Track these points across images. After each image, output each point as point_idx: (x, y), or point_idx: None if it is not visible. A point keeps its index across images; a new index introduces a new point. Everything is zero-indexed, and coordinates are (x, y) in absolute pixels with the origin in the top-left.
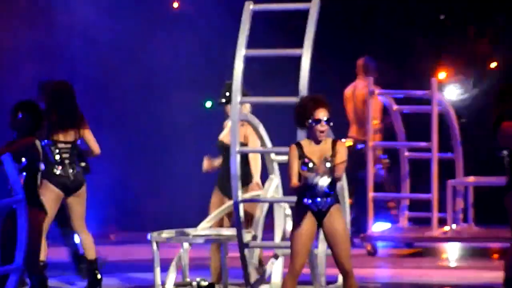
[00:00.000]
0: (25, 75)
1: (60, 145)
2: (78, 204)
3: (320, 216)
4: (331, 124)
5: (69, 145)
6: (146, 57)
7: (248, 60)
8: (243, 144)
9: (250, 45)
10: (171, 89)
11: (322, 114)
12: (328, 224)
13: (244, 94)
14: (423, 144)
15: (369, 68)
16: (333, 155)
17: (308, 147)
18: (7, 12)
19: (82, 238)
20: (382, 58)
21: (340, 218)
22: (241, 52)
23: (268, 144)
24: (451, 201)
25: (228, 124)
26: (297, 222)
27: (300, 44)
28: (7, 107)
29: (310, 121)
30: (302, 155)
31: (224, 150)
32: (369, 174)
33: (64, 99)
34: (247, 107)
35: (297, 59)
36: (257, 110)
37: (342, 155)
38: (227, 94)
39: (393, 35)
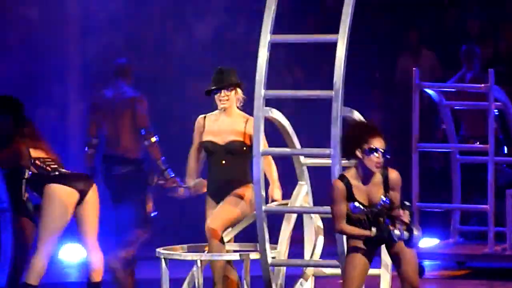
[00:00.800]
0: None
1: None
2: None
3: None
4: (388, 156)
5: None
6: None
7: (272, 47)
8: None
9: (274, 30)
10: (184, 81)
11: (379, 143)
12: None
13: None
14: (478, 146)
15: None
16: (387, 189)
17: (356, 183)
18: None
19: (92, 255)
20: (428, 47)
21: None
22: (266, 37)
23: (297, 145)
24: (511, 213)
25: (213, 118)
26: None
27: (333, 30)
28: None
29: (365, 149)
30: (351, 196)
31: (215, 151)
32: (414, 181)
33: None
34: (240, 96)
35: (331, 47)
36: (281, 105)
37: (397, 189)
38: (219, 80)
39: (442, 18)
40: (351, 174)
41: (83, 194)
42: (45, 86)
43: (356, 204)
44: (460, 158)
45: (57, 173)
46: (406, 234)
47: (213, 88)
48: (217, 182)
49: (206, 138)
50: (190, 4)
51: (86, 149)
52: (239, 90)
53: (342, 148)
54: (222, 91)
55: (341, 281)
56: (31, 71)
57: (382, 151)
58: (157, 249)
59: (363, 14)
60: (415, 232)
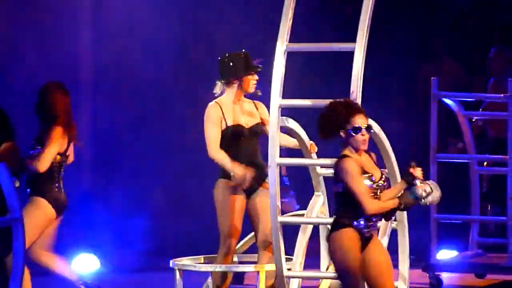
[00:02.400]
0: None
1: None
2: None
3: (365, 242)
4: (372, 131)
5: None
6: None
7: (289, 56)
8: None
9: (290, 37)
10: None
11: (361, 120)
12: (371, 251)
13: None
14: (497, 157)
15: None
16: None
17: (360, 159)
18: None
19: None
20: (448, 54)
21: (381, 244)
22: (283, 46)
23: (314, 155)
24: None
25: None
26: (349, 250)
27: (351, 38)
28: None
29: (348, 130)
30: (364, 171)
31: (244, 135)
32: None
33: None
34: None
35: (348, 55)
36: (296, 114)
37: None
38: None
39: (460, 27)
40: (349, 152)
41: None
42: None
43: (371, 180)
44: (478, 169)
45: None
46: (427, 188)
47: (258, 70)
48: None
49: (230, 122)
50: (207, 12)
51: None
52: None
53: (323, 130)
54: (254, 73)
55: None
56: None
57: (366, 127)
58: (172, 260)
59: (384, 22)
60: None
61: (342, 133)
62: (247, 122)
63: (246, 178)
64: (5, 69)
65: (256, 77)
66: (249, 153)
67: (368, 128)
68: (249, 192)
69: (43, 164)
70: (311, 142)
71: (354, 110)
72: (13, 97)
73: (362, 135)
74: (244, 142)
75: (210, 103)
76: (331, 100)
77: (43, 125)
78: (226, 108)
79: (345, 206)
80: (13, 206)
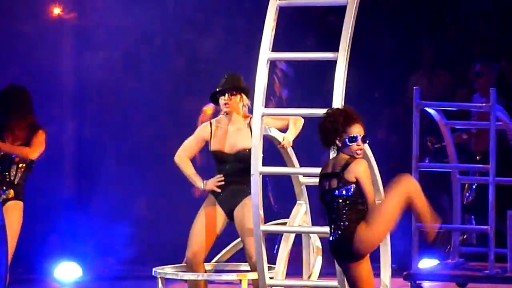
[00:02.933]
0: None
1: None
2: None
3: None
4: (368, 141)
5: None
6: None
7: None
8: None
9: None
10: (185, 99)
11: (357, 130)
12: None
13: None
14: (479, 166)
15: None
16: None
17: None
18: None
19: None
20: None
21: None
22: (265, 54)
23: (296, 164)
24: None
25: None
26: None
27: (333, 47)
28: None
29: (344, 139)
30: None
31: (224, 160)
32: None
33: None
34: (245, 102)
35: (330, 64)
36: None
37: None
38: (223, 83)
39: (445, 37)
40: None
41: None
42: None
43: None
44: (460, 178)
45: None
46: None
47: (217, 90)
48: (227, 189)
49: (215, 147)
50: (190, 23)
51: None
52: (244, 96)
53: (324, 139)
54: (226, 94)
55: None
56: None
57: (362, 137)
58: (154, 269)
59: (374, 31)
60: None
61: (337, 141)
62: (233, 146)
63: (205, 190)
64: None
65: (225, 97)
66: (228, 174)
67: (364, 138)
68: (229, 209)
69: (35, 153)
70: (284, 135)
71: (351, 119)
72: None
73: (358, 145)
74: (228, 166)
75: (205, 122)
76: (313, 109)
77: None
78: (216, 130)
79: (354, 211)
80: None
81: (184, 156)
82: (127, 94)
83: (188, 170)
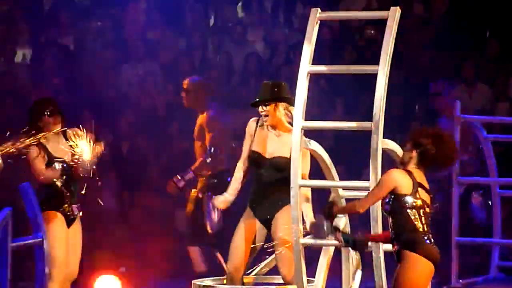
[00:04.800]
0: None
1: None
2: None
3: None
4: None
5: None
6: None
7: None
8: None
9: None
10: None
11: None
12: None
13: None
14: None
15: None
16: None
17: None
18: None
19: None
20: (472, 76)
21: None
22: (305, 68)
23: (335, 177)
24: None
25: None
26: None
27: (374, 60)
28: None
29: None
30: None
31: (259, 163)
32: (454, 214)
33: None
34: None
35: (371, 77)
36: (317, 135)
37: None
38: (257, 95)
39: (484, 48)
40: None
41: None
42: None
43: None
44: (500, 192)
45: None
46: None
47: (253, 102)
48: (259, 197)
49: (254, 147)
50: (229, 34)
51: None
52: (280, 105)
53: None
54: (260, 106)
55: None
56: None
57: None
58: (193, 281)
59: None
60: None
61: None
62: (271, 152)
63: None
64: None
65: (260, 109)
66: (265, 183)
67: None
68: (265, 220)
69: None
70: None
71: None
72: None
73: None
74: (262, 171)
75: (252, 118)
76: (356, 123)
77: None
78: (259, 130)
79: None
80: (35, 225)
81: (238, 169)
82: (166, 106)
83: (234, 176)
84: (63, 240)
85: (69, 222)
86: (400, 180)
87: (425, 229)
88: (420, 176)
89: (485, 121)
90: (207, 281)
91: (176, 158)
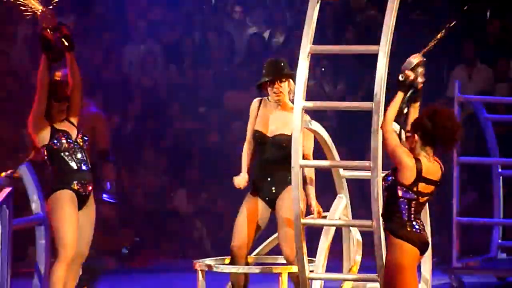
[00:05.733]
0: None
1: None
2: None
3: None
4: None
5: None
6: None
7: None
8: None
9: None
10: (223, 91)
11: None
12: None
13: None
14: None
15: None
16: None
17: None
18: None
19: None
20: (472, 58)
21: None
22: (306, 48)
23: (336, 157)
24: None
25: (267, 105)
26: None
27: (373, 40)
28: None
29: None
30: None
31: (262, 142)
32: (455, 195)
33: None
34: (292, 87)
35: (372, 58)
36: (320, 116)
37: None
38: (273, 72)
39: (485, 30)
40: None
41: None
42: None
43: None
44: (501, 172)
45: None
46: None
47: (267, 80)
48: (263, 176)
49: (257, 127)
50: (229, 15)
51: None
52: (291, 81)
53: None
54: (276, 82)
55: None
56: None
57: None
58: (194, 261)
59: (412, 24)
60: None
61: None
62: (273, 130)
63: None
64: None
65: (276, 86)
66: (268, 162)
67: None
68: (270, 199)
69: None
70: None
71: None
72: None
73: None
74: (265, 149)
75: (256, 98)
76: (357, 103)
77: None
78: (262, 110)
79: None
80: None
81: (246, 141)
82: (168, 87)
83: (242, 164)
84: (71, 220)
85: (81, 200)
86: (407, 166)
87: (412, 217)
88: (427, 167)
89: (485, 101)
90: (208, 261)
91: (176, 139)
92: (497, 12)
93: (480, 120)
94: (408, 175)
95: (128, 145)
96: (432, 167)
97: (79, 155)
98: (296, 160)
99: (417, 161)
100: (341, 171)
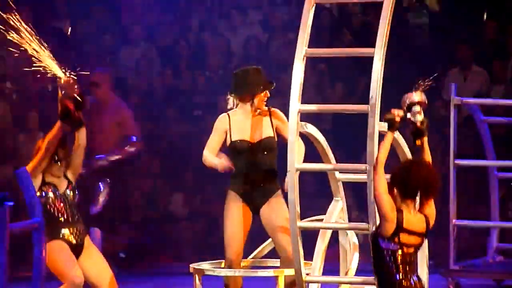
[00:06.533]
0: None
1: None
2: None
3: None
4: None
5: None
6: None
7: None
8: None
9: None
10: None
11: None
12: None
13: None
14: None
15: None
16: None
17: None
18: None
19: None
20: (468, 60)
21: None
22: (302, 51)
23: (332, 160)
24: None
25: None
26: None
27: (370, 44)
28: None
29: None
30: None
31: (246, 149)
32: (452, 198)
33: None
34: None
35: (367, 61)
36: (315, 119)
37: None
38: (266, 80)
39: (480, 33)
40: None
41: None
42: None
43: None
44: (498, 174)
45: None
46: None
47: (265, 89)
48: (251, 184)
49: (235, 138)
50: (226, 18)
51: None
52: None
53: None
54: (267, 90)
55: None
56: None
57: None
58: (191, 265)
59: (406, 27)
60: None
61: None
62: (254, 136)
63: (225, 165)
64: None
65: (268, 94)
66: (255, 168)
67: None
68: (256, 207)
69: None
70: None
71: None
72: None
73: None
74: (249, 156)
75: (222, 114)
76: (352, 106)
77: None
78: (234, 122)
79: None
80: (32, 210)
81: (207, 152)
82: (164, 89)
83: (213, 160)
84: (69, 265)
85: (74, 248)
86: (388, 218)
87: (401, 269)
88: (408, 219)
89: (482, 103)
90: (205, 265)
91: (172, 142)
92: (494, 14)
93: (477, 122)
94: (388, 227)
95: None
96: (413, 219)
97: (67, 208)
98: (292, 163)
99: (399, 212)
100: (337, 174)
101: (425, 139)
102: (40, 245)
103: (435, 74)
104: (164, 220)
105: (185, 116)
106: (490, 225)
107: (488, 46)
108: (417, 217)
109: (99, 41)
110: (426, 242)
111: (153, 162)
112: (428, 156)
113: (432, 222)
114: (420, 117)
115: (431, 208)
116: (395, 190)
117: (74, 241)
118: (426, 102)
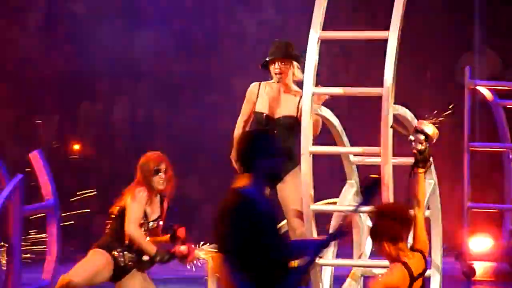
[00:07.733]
0: None
1: None
2: None
3: None
4: None
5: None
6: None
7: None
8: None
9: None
10: (234, 78)
11: None
12: None
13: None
14: None
15: None
16: None
17: None
18: None
19: None
20: (483, 45)
21: None
22: (316, 34)
23: (346, 143)
24: None
25: (268, 88)
26: None
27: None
28: None
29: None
30: None
31: (267, 123)
32: (466, 181)
33: None
34: (295, 69)
35: (382, 43)
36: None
37: None
38: (274, 52)
39: (494, 16)
40: None
41: None
42: (90, 81)
43: None
44: None
45: None
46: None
47: (268, 59)
48: None
49: (258, 109)
50: (240, 1)
51: None
52: (295, 63)
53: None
54: (276, 62)
55: None
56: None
57: None
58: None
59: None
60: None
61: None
62: (275, 112)
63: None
64: None
65: (276, 66)
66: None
67: None
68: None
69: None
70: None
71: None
72: None
73: None
74: (271, 130)
75: (253, 83)
76: (367, 88)
77: None
78: (262, 93)
79: None
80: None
81: (239, 121)
82: (178, 73)
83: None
84: (92, 270)
85: (120, 271)
86: (400, 284)
87: None
88: (413, 263)
89: (496, 86)
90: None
91: (187, 126)
92: None
93: (492, 105)
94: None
95: (139, 132)
96: (415, 261)
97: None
98: (306, 146)
99: (404, 265)
100: (351, 157)
101: (422, 174)
102: (53, 226)
103: (452, 105)
104: (180, 202)
105: (199, 100)
106: (504, 208)
107: (502, 30)
108: (416, 258)
109: (113, 24)
110: (440, 225)
111: (168, 145)
112: (420, 193)
113: (427, 254)
114: (419, 147)
115: (422, 238)
116: (384, 244)
117: (121, 262)
118: (435, 139)
